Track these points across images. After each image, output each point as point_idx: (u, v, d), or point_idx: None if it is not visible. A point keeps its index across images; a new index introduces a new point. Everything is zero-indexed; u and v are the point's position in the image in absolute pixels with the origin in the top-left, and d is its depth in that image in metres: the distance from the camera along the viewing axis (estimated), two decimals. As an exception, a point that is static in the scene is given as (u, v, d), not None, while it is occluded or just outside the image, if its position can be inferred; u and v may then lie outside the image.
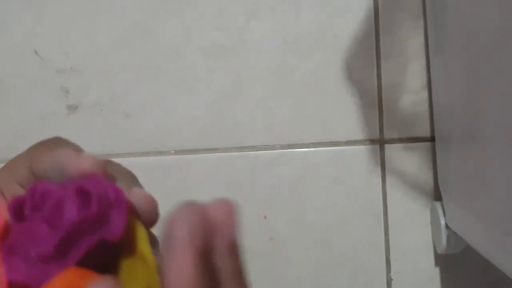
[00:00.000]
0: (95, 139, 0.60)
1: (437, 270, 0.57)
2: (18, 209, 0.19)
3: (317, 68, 0.58)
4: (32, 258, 0.18)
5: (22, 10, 0.60)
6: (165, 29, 0.59)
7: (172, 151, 0.59)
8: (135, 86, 0.59)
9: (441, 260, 0.57)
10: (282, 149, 0.58)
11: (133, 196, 0.22)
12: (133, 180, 0.25)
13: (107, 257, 0.19)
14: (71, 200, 0.19)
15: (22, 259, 0.18)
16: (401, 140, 0.57)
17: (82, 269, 0.18)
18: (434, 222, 0.55)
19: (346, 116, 0.57)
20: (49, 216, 0.19)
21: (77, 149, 0.25)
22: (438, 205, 0.53)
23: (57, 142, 0.26)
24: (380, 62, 0.57)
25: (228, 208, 0.23)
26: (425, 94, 0.57)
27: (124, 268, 0.19)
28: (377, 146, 0.57)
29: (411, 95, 0.57)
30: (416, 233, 0.57)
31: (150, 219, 0.22)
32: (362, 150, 0.57)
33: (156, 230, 0.24)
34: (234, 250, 0.22)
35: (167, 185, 0.59)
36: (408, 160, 0.57)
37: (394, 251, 0.58)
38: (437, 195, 0.57)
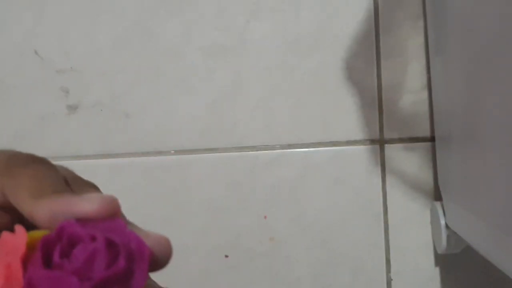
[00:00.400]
0: (95, 139, 0.60)
1: (437, 270, 0.57)
2: (47, 252, 0.20)
3: (317, 68, 0.57)
4: None
5: (22, 10, 0.60)
6: (165, 29, 0.59)
7: (172, 151, 0.59)
8: (135, 86, 0.59)
9: (441, 260, 0.57)
10: (282, 149, 0.58)
11: (150, 240, 0.21)
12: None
13: None
14: (102, 254, 0.19)
15: None
16: (401, 140, 0.57)
17: None
18: (434, 222, 0.55)
19: (346, 116, 0.57)
20: (80, 268, 0.19)
21: (59, 181, 0.22)
22: (438, 205, 0.53)
23: (36, 174, 0.22)
24: (380, 62, 0.57)
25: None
26: (425, 94, 0.57)
27: None
28: (377, 146, 0.57)
29: (411, 95, 0.57)
30: (416, 233, 0.57)
31: (164, 262, 0.22)
32: (362, 150, 0.57)
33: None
34: None
35: (167, 185, 0.59)
36: (408, 160, 0.57)
37: (394, 251, 0.58)
38: (437, 195, 0.57)
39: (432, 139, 0.57)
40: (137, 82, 0.59)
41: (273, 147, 0.58)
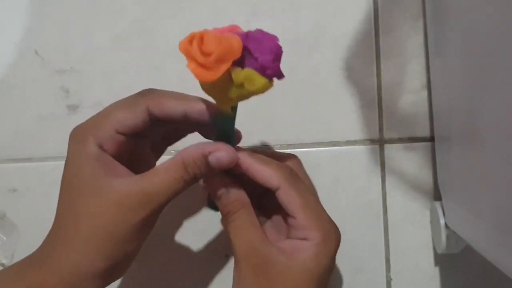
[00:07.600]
0: (95, 139, 0.60)
1: (437, 270, 0.57)
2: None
3: (317, 68, 0.58)
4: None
5: (22, 10, 0.60)
6: (165, 29, 0.59)
7: (172, 151, 0.59)
8: (135, 86, 0.59)
9: (441, 260, 0.57)
10: (282, 149, 0.58)
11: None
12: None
13: None
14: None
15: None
16: (401, 140, 0.57)
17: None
18: (434, 222, 0.55)
19: (346, 116, 0.57)
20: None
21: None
22: (438, 205, 0.53)
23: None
24: (380, 62, 0.57)
25: None
26: (425, 94, 0.57)
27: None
28: (377, 146, 0.57)
29: (411, 95, 0.57)
30: (416, 233, 0.57)
31: None
32: (362, 150, 0.57)
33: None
34: None
35: (167, 185, 0.59)
36: (408, 160, 0.57)
37: (394, 251, 0.58)
38: (437, 195, 0.57)
39: (432, 139, 0.57)
40: (137, 82, 0.59)
41: (273, 147, 0.58)
